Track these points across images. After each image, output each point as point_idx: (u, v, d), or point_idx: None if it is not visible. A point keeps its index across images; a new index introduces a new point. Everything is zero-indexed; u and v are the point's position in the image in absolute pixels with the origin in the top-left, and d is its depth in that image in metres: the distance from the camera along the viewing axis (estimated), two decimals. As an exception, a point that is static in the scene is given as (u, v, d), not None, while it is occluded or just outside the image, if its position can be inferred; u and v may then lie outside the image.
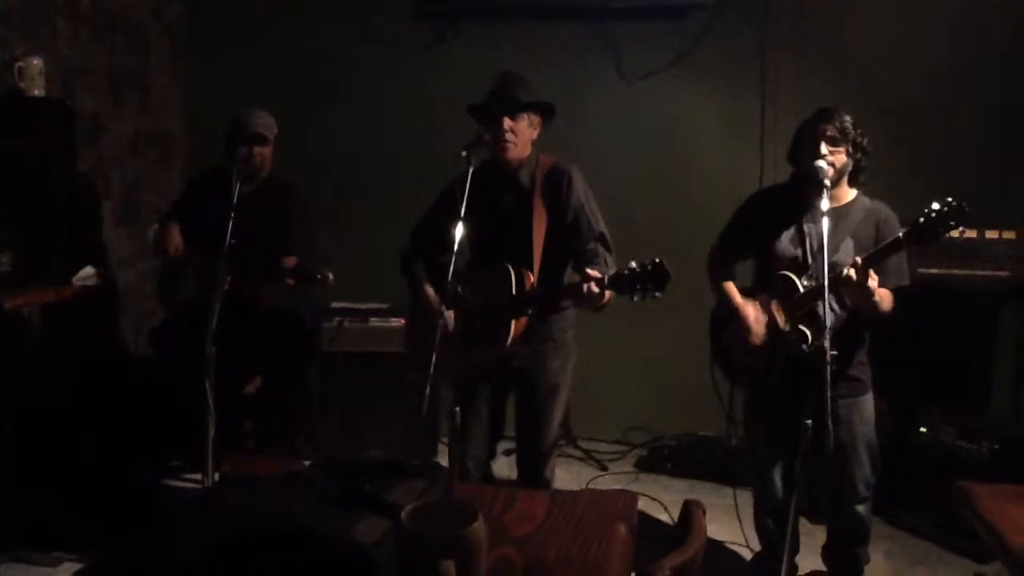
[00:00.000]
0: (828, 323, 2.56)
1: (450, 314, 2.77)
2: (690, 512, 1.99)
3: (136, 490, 3.60)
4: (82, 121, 4.03)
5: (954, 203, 2.52)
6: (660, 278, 2.57)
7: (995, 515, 2.09)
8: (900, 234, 2.61)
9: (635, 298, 2.61)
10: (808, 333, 2.79)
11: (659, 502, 3.92)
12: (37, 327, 3.72)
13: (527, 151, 3.05)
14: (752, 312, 3.01)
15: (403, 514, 1.54)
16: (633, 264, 2.63)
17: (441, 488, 2.05)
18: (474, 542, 1.52)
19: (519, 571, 1.75)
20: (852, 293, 2.76)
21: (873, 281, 2.67)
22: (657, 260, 2.58)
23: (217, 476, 3.19)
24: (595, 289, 2.69)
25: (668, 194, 4.53)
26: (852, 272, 2.64)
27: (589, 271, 2.72)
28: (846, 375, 2.92)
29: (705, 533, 1.93)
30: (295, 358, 3.89)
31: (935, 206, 2.54)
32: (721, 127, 4.52)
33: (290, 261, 3.59)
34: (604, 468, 4.42)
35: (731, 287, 3.12)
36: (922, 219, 2.55)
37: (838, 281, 2.70)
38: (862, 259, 2.66)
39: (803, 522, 3.33)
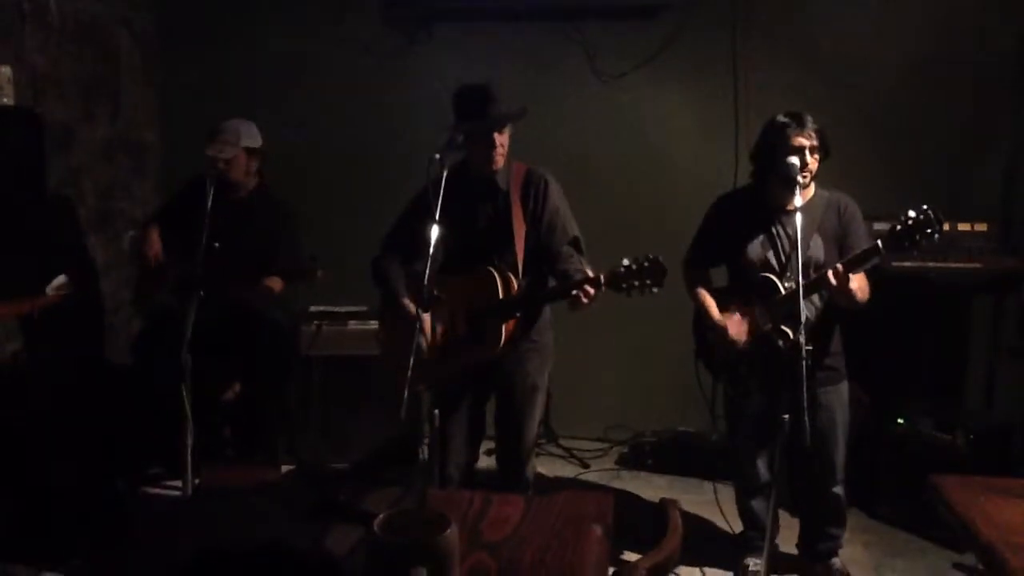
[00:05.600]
0: (807, 317, 2.60)
1: (426, 317, 2.77)
2: (666, 510, 2.00)
3: (114, 500, 3.57)
4: (53, 130, 3.99)
5: (929, 211, 2.59)
6: (657, 273, 2.64)
7: (966, 507, 2.11)
8: (878, 241, 2.67)
9: (631, 295, 2.64)
10: (790, 332, 2.83)
11: (641, 498, 3.94)
12: (12, 338, 3.69)
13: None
14: (732, 322, 3.06)
15: (375, 523, 1.53)
16: (627, 261, 2.67)
17: (415, 496, 2.05)
18: (446, 550, 1.52)
19: (494, 576, 1.75)
20: (834, 293, 2.82)
21: (854, 283, 2.73)
22: (652, 256, 2.62)
23: (196, 483, 3.18)
24: (590, 290, 2.72)
25: (643, 193, 4.54)
26: (833, 279, 2.71)
27: (586, 273, 2.78)
28: (824, 365, 3.02)
29: (681, 530, 1.94)
30: (273, 364, 3.88)
31: (911, 213, 2.60)
32: (695, 125, 4.53)
33: (275, 283, 3.59)
34: (586, 466, 4.43)
35: (708, 300, 3.17)
36: (899, 227, 2.62)
37: (820, 283, 2.77)
38: (842, 265, 2.73)
39: (782, 514, 3.36)
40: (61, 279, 3.57)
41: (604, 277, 2.72)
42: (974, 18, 4.21)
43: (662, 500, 2.07)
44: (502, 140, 2.99)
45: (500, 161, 3.02)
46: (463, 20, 4.59)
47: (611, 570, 1.90)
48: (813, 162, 2.91)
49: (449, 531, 1.51)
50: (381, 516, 1.55)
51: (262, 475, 2.44)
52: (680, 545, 1.93)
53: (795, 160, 2.85)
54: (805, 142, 2.89)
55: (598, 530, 1.89)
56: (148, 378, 3.70)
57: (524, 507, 2.00)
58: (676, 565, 1.94)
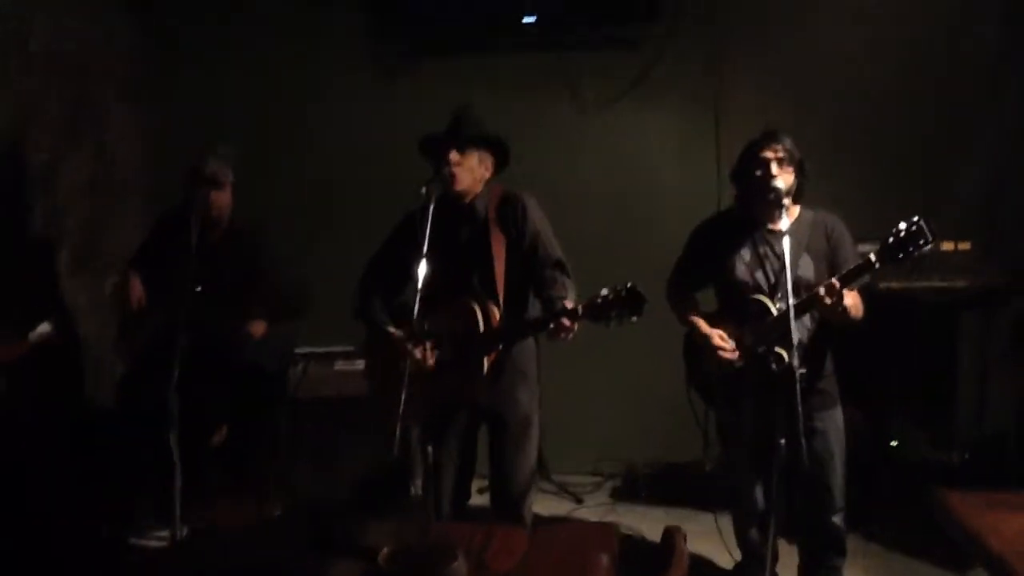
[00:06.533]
0: (799, 339, 2.58)
1: (419, 351, 2.74)
2: (672, 538, 1.97)
3: (102, 549, 3.48)
4: (35, 166, 3.92)
5: (920, 221, 2.57)
6: (636, 302, 2.59)
7: (972, 521, 2.10)
8: (871, 255, 2.66)
9: (610, 326, 2.61)
10: (784, 354, 2.80)
11: (639, 532, 3.88)
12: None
13: (477, 187, 3.06)
14: (724, 339, 3.03)
15: (380, 557, 1.49)
16: (605, 291, 2.64)
17: (417, 527, 2.00)
18: (454, 581, 1.48)
19: (502, 608, 1.71)
20: (828, 312, 2.79)
21: (848, 299, 2.72)
22: (630, 285, 2.59)
23: (185, 530, 3.10)
24: (566, 322, 2.69)
25: (628, 221, 4.55)
26: (826, 296, 2.69)
27: (565, 304, 2.74)
28: (817, 388, 2.98)
29: (686, 558, 1.92)
30: (260, 407, 3.82)
31: (902, 225, 2.59)
32: (678, 152, 4.57)
33: (257, 329, 3.54)
34: (580, 501, 4.37)
35: (697, 317, 3.14)
36: (890, 239, 2.60)
37: (813, 302, 2.74)
38: (837, 280, 2.71)
39: (781, 542, 3.32)
40: (45, 327, 3.51)
41: (582, 308, 2.68)
42: (949, 38, 4.28)
43: (666, 528, 2.04)
44: (458, 159, 2.96)
45: (457, 182, 2.97)
46: (447, 52, 4.62)
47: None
48: (782, 174, 2.90)
49: (457, 563, 1.47)
50: (385, 550, 1.51)
51: (255, 514, 2.37)
52: (686, 573, 1.90)
53: (780, 183, 2.87)
54: (771, 155, 2.92)
55: (604, 559, 1.86)
56: (133, 422, 3.63)
57: (528, 537, 1.96)
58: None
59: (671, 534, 1.97)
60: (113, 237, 4.65)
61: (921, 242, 2.57)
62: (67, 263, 4.29)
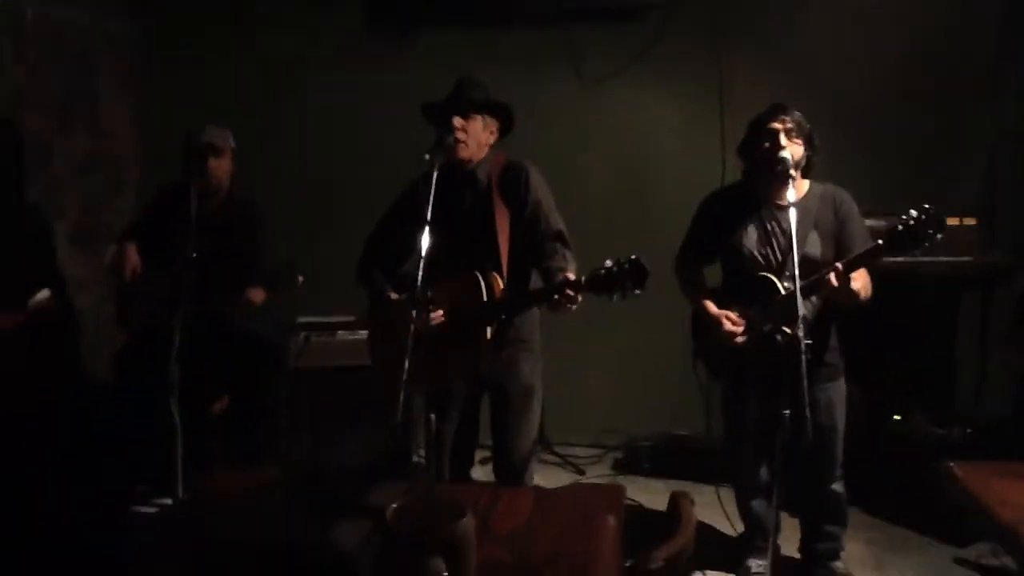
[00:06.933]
0: (804, 313, 2.57)
1: (423, 316, 2.71)
2: (678, 503, 1.96)
3: (102, 517, 3.47)
4: (32, 142, 3.91)
5: (931, 209, 2.54)
6: (639, 275, 2.54)
7: (981, 491, 2.09)
8: (879, 242, 2.63)
9: (614, 298, 2.58)
10: (789, 331, 2.78)
11: (640, 504, 3.88)
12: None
13: (481, 153, 3.02)
14: (730, 319, 3.02)
15: (387, 513, 1.48)
16: (609, 263, 2.59)
17: (422, 489, 1.99)
18: (464, 538, 1.46)
19: (508, 570, 1.70)
20: (836, 294, 2.77)
21: (856, 283, 2.70)
22: (633, 257, 2.56)
23: (187, 496, 3.09)
24: (570, 293, 2.66)
25: (631, 195, 4.54)
26: (834, 279, 2.67)
27: (566, 275, 2.70)
28: (822, 361, 2.98)
29: (694, 522, 1.90)
30: (260, 377, 3.80)
31: (912, 213, 2.56)
32: (680, 126, 4.55)
33: (257, 295, 3.52)
34: (581, 472, 4.38)
35: (705, 297, 3.12)
36: (900, 226, 2.57)
37: (819, 285, 2.72)
38: (842, 265, 2.69)
39: (783, 514, 3.32)
40: (44, 293, 3.48)
41: (585, 280, 2.64)
42: (950, 15, 4.26)
43: (673, 494, 2.02)
44: (463, 124, 2.93)
45: (462, 148, 2.94)
46: (446, 25, 4.59)
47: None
48: (791, 146, 2.87)
49: (466, 518, 1.46)
50: (393, 506, 1.49)
51: (256, 479, 2.36)
52: (694, 537, 1.89)
53: (787, 154, 2.84)
54: (779, 126, 2.89)
55: (611, 520, 1.85)
56: (132, 393, 3.61)
57: (534, 500, 1.95)
58: (689, 556, 1.89)
59: (677, 500, 1.95)
60: (110, 214, 4.65)
61: (931, 231, 2.53)
62: (65, 238, 4.27)
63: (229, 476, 2.65)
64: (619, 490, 2.05)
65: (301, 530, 1.83)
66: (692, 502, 1.98)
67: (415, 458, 2.97)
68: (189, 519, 2.14)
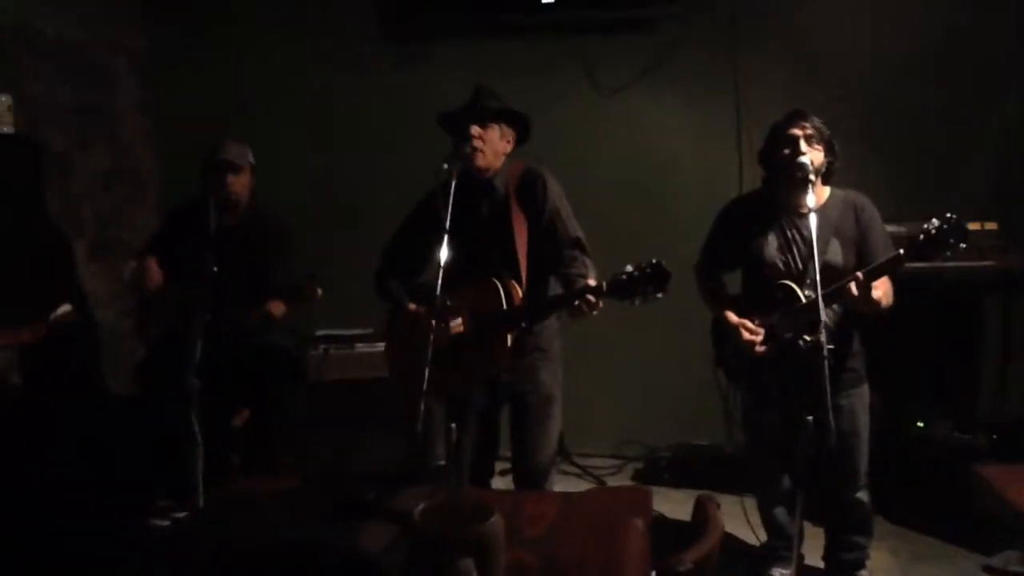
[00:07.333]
0: (825, 320, 2.55)
1: (442, 324, 2.71)
2: (704, 506, 1.94)
3: (121, 530, 3.47)
4: (51, 158, 3.95)
5: (953, 219, 2.52)
6: (661, 278, 2.54)
7: (1015, 494, 2.05)
8: (900, 251, 2.62)
9: (636, 302, 2.57)
10: (811, 338, 2.76)
11: (662, 514, 3.85)
12: (13, 368, 3.61)
13: (498, 162, 3.03)
14: (754, 331, 2.99)
15: (415, 514, 1.47)
16: (630, 268, 2.59)
17: (448, 489, 1.98)
18: (492, 539, 1.45)
19: (535, 574, 1.68)
20: (856, 303, 2.74)
21: (877, 291, 2.68)
22: (654, 261, 2.55)
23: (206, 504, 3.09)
24: (591, 298, 2.65)
25: (648, 204, 4.53)
26: (854, 289, 2.65)
27: (589, 281, 2.70)
28: (846, 367, 2.94)
29: (722, 526, 1.88)
30: (280, 389, 3.80)
31: (935, 222, 2.54)
32: (697, 134, 4.54)
33: (276, 308, 3.52)
34: (602, 483, 4.35)
35: (725, 305, 3.10)
36: (922, 236, 2.55)
37: (840, 293, 2.70)
38: (863, 274, 2.67)
39: (807, 524, 3.29)
40: (66, 307, 3.50)
41: (607, 284, 2.64)
42: (972, 18, 4.25)
43: (698, 497, 2.00)
44: (480, 133, 2.93)
45: (479, 157, 2.94)
46: (461, 36, 4.60)
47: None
48: (812, 153, 2.85)
49: (494, 519, 1.45)
50: (421, 507, 1.48)
51: (279, 484, 2.34)
52: (720, 541, 1.87)
53: (807, 160, 2.82)
54: (799, 132, 2.88)
55: (639, 524, 1.83)
56: (153, 406, 3.62)
57: (559, 503, 1.93)
58: (716, 560, 1.87)
59: (703, 503, 1.93)
60: (129, 230, 4.69)
61: (953, 240, 2.51)
62: (84, 253, 4.31)
63: (249, 483, 2.64)
64: (646, 493, 2.03)
65: (327, 531, 1.82)
66: (718, 505, 1.96)
67: (435, 464, 2.94)
68: (209, 523, 2.13)
